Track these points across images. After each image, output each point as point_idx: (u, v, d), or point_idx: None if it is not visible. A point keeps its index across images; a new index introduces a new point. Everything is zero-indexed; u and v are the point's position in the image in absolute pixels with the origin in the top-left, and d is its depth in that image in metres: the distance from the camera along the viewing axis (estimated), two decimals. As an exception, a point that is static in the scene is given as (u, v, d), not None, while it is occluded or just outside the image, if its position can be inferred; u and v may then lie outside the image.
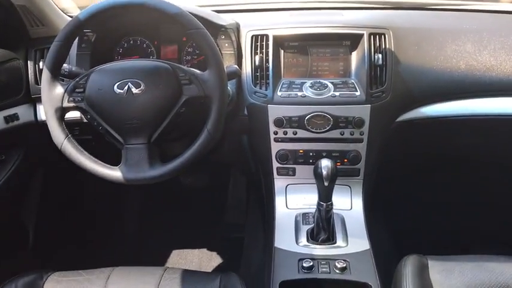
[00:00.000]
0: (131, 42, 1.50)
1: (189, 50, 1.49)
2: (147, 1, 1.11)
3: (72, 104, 1.16)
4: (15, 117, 1.40)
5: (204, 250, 1.99)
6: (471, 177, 1.72)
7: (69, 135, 1.17)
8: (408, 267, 1.16)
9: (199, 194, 2.14)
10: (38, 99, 1.45)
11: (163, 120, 1.16)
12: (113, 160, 1.19)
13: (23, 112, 1.43)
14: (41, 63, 1.44)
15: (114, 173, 1.17)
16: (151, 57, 1.50)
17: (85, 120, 1.42)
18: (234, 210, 2.08)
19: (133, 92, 1.13)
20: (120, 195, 2.11)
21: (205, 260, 1.94)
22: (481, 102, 1.41)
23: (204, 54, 1.16)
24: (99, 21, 1.17)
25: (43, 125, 1.44)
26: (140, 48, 1.50)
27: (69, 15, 1.55)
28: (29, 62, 1.45)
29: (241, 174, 2.02)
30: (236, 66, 1.28)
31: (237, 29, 1.43)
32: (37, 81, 1.45)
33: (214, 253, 1.98)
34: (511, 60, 1.39)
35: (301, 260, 1.14)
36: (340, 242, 1.21)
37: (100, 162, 1.18)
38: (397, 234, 1.53)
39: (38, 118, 1.47)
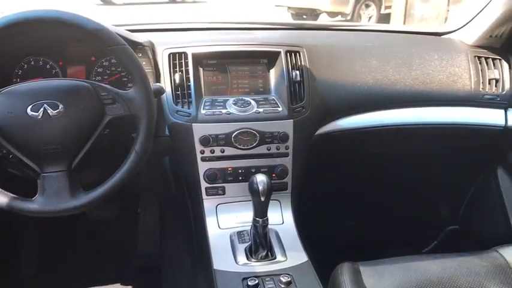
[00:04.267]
0: (32, 63, 1.36)
1: (99, 70, 1.40)
2: (62, 15, 1.03)
3: None
4: None
5: (118, 285, 1.85)
6: (384, 184, 1.84)
7: None
8: (345, 275, 1.19)
9: (107, 225, 1.99)
10: None
11: (86, 143, 1.08)
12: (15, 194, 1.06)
13: None
14: None
15: (31, 205, 1.05)
16: None
17: None
18: (147, 239, 1.97)
19: (50, 114, 1.03)
20: (14, 233, 1.89)
21: None
22: (388, 113, 1.53)
23: (128, 71, 1.10)
24: (5, 36, 1.05)
25: None
26: (43, 69, 1.37)
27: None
28: None
29: (154, 198, 1.93)
30: (159, 84, 1.23)
31: (152, 47, 1.38)
32: None
33: (129, 287, 1.85)
34: (411, 74, 1.52)
35: (245, 279, 1.11)
36: (279, 256, 1.20)
37: (12, 194, 1.05)
38: (320, 242, 1.57)
39: None
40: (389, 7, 7.81)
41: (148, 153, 1.11)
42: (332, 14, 8.77)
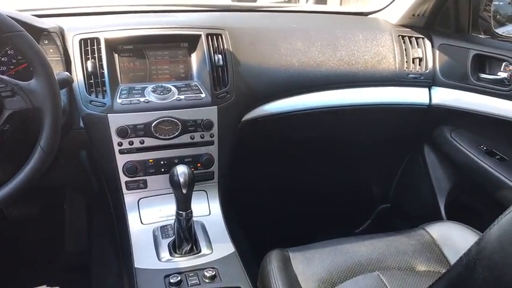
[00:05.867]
0: None
1: (2, 59, 1.27)
2: None
3: None
4: None
5: (44, 287, 1.75)
6: (315, 167, 1.83)
7: None
8: (273, 263, 1.17)
9: (29, 225, 1.87)
10: None
11: None
12: None
13: None
14: None
15: None
16: None
17: None
18: (74, 237, 1.86)
19: None
20: None
21: None
22: (315, 96, 1.50)
23: (27, 60, 1.00)
24: None
25: None
26: None
27: None
28: None
29: (80, 195, 1.82)
30: (67, 73, 1.14)
31: (60, 33, 1.27)
32: None
33: None
34: (336, 55, 1.50)
35: (167, 276, 1.05)
36: (204, 249, 1.16)
37: None
38: (253, 232, 1.54)
39: None
40: (327, -12, 7.87)
41: (55, 149, 1.02)
42: (270, -5, 8.74)
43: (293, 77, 1.46)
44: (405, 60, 1.58)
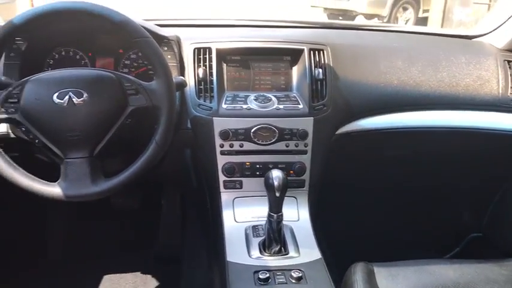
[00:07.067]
0: (63, 53, 1.41)
1: (126, 62, 1.44)
2: (89, 7, 1.06)
3: (4, 116, 1.07)
4: None
5: (138, 274, 1.89)
6: (405, 187, 1.82)
7: (1, 150, 1.07)
8: (358, 274, 1.19)
9: (130, 214, 2.04)
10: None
11: (108, 131, 1.11)
12: (43, 179, 1.11)
13: None
14: None
15: (53, 189, 1.09)
16: None
17: (12, 136, 1.31)
18: (168, 230, 2.00)
19: (75, 102, 1.06)
20: (42, 219, 1.97)
21: (140, 284, 1.85)
22: (411, 115, 1.50)
23: (151, 63, 1.13)
24: (36, 27, 1.09)
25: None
26: (73, 60, 1.42)
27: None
28: None
29: (178, 191, 1.96)
30: (182, 77, 1.26)
31: (178, 41, 1.41)
32: None
33: (149, 276, 1.89)
34: (436, 76, 1.50)
35: (256, 272, 1.11)
36: (292, 252, 1.20)
37: (36, 178, 1.10)
38: (337, 242, 1.57)
39: None
40: (427, 11, 7.66)
41: (167, 144, 1.13)
42: (368, 16, 8.66)
43: (391, 94, 1.48)
44: (509, 85, 1.53)
